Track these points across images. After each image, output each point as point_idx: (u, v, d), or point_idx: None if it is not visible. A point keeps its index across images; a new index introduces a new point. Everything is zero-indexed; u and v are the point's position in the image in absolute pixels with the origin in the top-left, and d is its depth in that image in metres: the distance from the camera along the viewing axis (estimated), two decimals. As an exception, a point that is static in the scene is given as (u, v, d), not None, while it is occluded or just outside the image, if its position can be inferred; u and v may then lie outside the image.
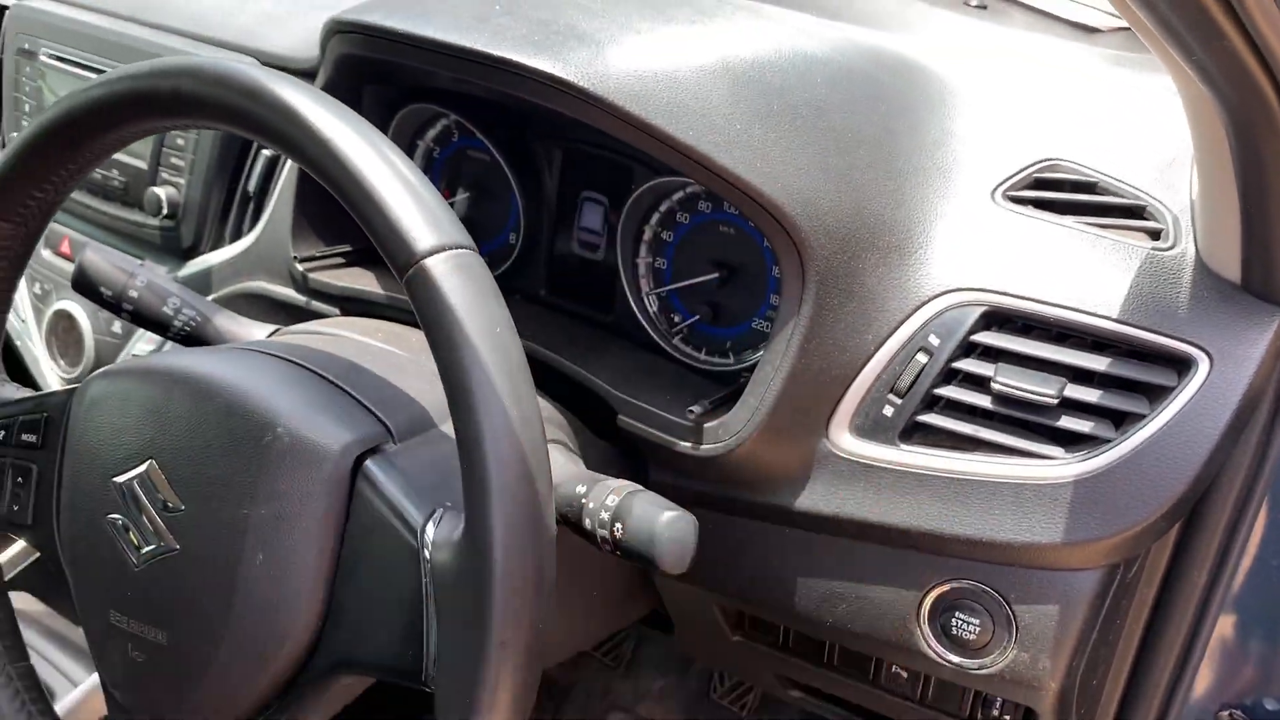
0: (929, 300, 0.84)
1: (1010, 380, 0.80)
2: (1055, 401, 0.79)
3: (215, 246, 1.21)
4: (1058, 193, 0.87)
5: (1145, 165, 0.88)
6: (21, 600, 1.35)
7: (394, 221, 0.65)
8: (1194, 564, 0.85)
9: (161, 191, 1.22)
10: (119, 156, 1.25)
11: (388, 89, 1.07)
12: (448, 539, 0.66)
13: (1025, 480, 0.80)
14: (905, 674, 0.92)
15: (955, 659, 0.85)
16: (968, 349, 0.83)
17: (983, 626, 0.83)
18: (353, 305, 1.04)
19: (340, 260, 1.08)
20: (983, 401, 0.81)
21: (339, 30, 0.98)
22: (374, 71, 1.02)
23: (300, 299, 1.07)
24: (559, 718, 1.52)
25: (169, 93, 0.73)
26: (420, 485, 0.71)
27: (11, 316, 0.90)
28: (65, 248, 1.35)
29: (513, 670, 0.63)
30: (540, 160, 1.06)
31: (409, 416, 0.76)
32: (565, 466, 0.80)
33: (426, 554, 0.67)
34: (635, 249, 1.01)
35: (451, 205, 0.70)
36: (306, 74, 1.09)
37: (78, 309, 1.31)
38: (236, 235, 1.19)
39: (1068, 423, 0.79)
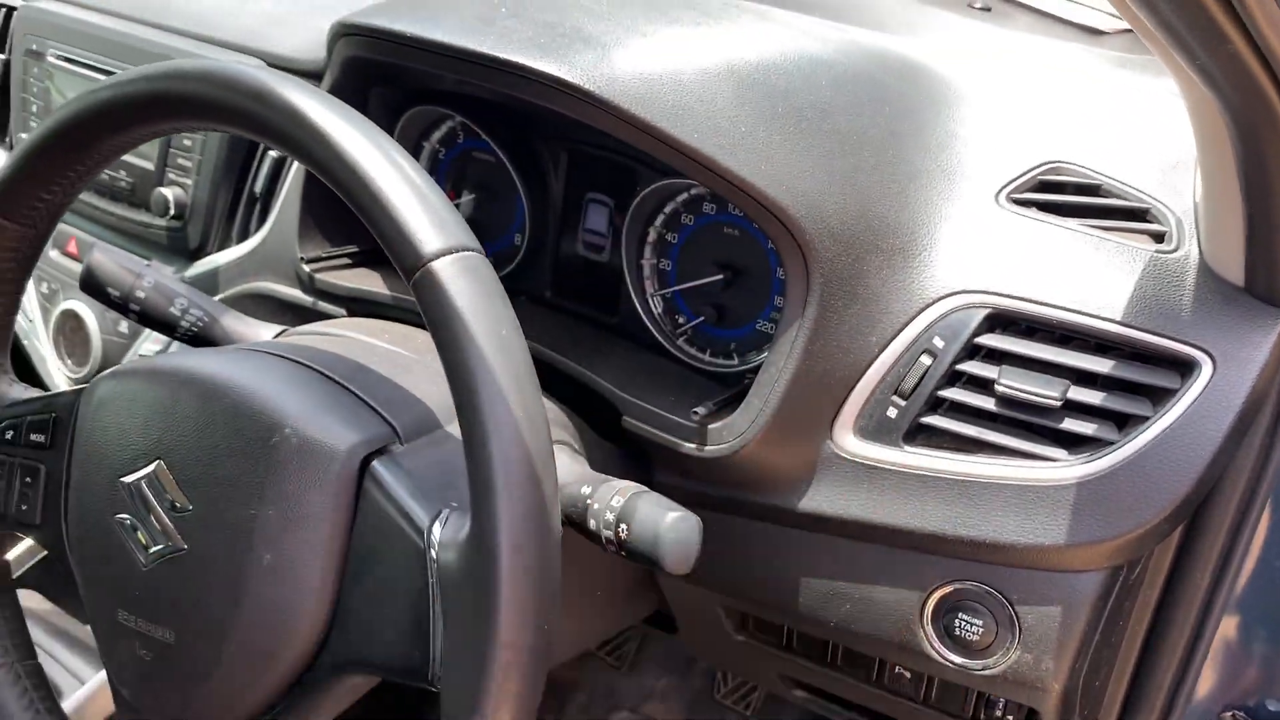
0: (933, 302, 0.84)
1: (1014, 382, 0.80)
2: (1059, 403, 0.79)
3: (222, 247, 1.22)
4: (1062, 195, 0.88)
5: (1149, 168, 0.88)
6: (29, 599, 1.36)
7: (401, 224, 0.65)
8: (1197, 566, 0.85)
9: (169, 192, 1.23)
10: (126, 157, 1.25)
11: (394, 91, 1.07)
12: (454, 539, 0.67)
13: (1028, 482, 0.80)
14: (908, 674, 0.92)
15: (958, 660, 0.85)
16: (972, 351, 0.83)
17: (986, 627, 0.84)
18: (359, 306, 1.04)
19: (346, 261, 1.08)
20: (986, 403, 0.82)
21: (346, 33, 0.98)
22: (380, 74, 1.03)
23: (307, 300, 1.07)
24: (562, 717, 1.52)
25: (178, 96, 0.73)
26: (426, 486, 0.71)
27: (19, 316, 0.90)
28: (72, 248, 1.35)
29: (518, 670, 0.63)
30: (545, 162, 1.06)
31: (415, 417, 0.77)
32: (570, 467, 0.81)
33: (433, 554, 0.67)
34: (640, 250, 1.01)
35: (457, 207, 0.70)
36: (312, 75, 1.09)
37: (85, 309, 1.31)
38: (243, 236, 1.20)
39: (1071, 425, 0.80)
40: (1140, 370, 0.79)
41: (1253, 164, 0.68)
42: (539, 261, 1.09)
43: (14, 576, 0.94)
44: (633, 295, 1.02)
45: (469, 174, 1.11)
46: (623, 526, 0.73)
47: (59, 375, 1.37)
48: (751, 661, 1.04)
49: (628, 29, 0.88)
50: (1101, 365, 0.80)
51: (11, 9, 1.43)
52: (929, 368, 0.83)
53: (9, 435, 0.87)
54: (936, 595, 0.85)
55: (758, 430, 0.84)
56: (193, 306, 0.93)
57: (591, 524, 0.75)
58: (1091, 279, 0.82)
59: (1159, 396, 0.79)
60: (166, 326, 0.93)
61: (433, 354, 0.66)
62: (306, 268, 1.06)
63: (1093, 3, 1.21)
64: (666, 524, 0.72)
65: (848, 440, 0.86)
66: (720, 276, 0.97)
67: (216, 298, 1.13)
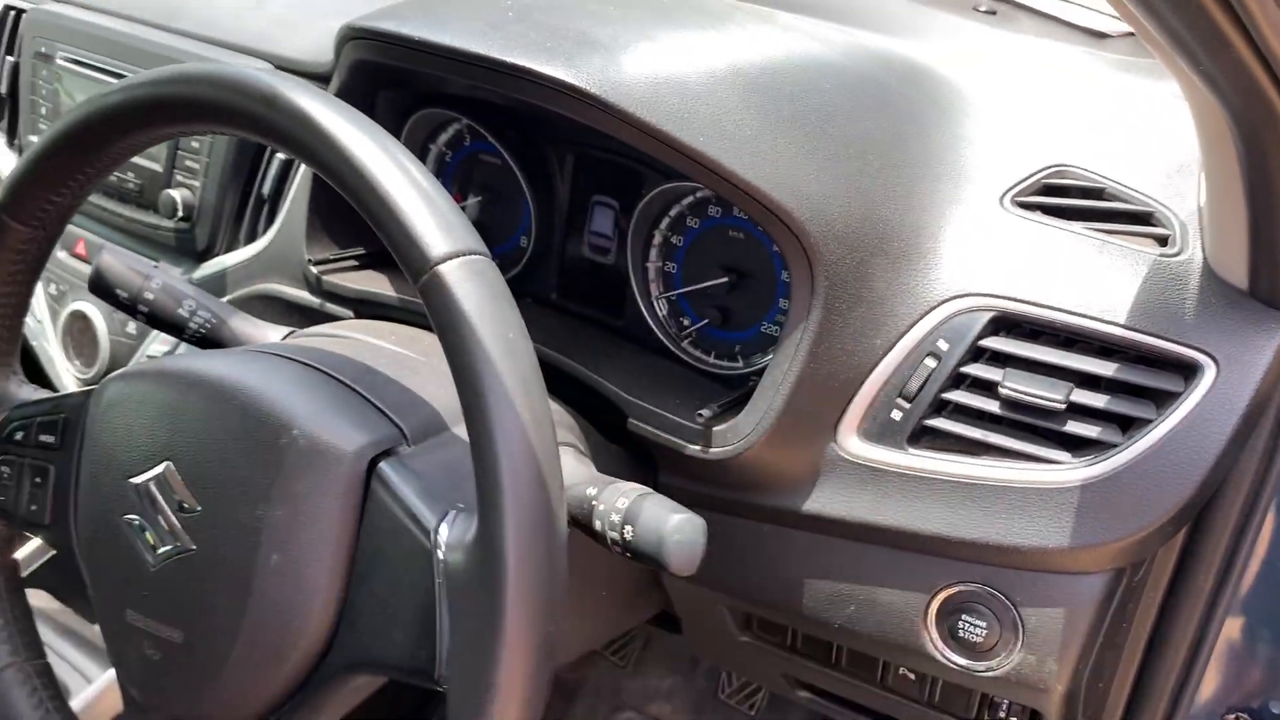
0: (937, 305, 0.84)
1: (1018, 385, 0.80)
2: (1063, 406, 0.79)
3: (230, 249, 1.22)
4: (1066, 199, 0.88)
5: (1153, 171, 0.88)
6: (38, 598, 1.36)
7: (408, 228, 0.66)
8: (1200, 568, 0.85)
9: (177, 194, 1.23)
10: (134, 159, 1.26)
11: (401, 94, 1.08)
12: (461, 540, 0.67)
13: (1032, 484, 0.80)
14: (912, 676, 0.92)
15: (962, 661, 0.85)
16: (976, 354, 0.83)
17: (989, 629, 0.84)
18: (366, 308, 1.04)
19: (354, 263, 1.09)
20: (990, 406, 0.82)
21: (353, 36, 0.99)
22: (388, 77, 1.03)
23: (314, 301, 1.08)
24: (568, 716, 1.53)
25: (186, 99, 0.74)
26: (434, 487, 0.72)
27: (28, 317, 0.91)
28: (81, 249, 1.36)
29: (525, 670, 0.63)
30: (552, 165, 1.07)
31: (422, 419, 0.77)
32: (576, 469, 0.81)
33: (440, 555, 0.68)
34: (645, 253, 1.02)
35: (464, 209, 0.71)
36: (320, 78, 1.09)
37: (93, 310, 1.32)
38: (251, 237, 1.20)
39: (1075, 428, 0.80)
40: (1144, 373, 0.80)
41: (1256, 167, 0.68)
42: (545, 264, 1.09)
43: (23, 576, 0.94)
44: (638, 298, 1.02)
45: (475, 177, 1.11)
46: (628, 528, 0.73)
47: (67, 376, 1.37)
48: (755, 662, 1.04)
49: (634, 33, 0.89)
50: (1105, 368, 0.80)
51: (21, 12, 1.44)
52: (933, 370, 0.83)
53: (19, 436, 0.87)
54: (940, 597, 0.85)
55: (762, 432, 0.84)
56: (201, 308, 0.93)
57: (597, 525, 0.75)
58: (1095, 282, 0.82)
59: (1163, 399, 0.79)
60: (175, 328, 0.93)
61: (440, 356, 0.67)
62: (314, 269, 1.06)
63: (1097, 6, 1.21)
64: (671, 525, 0.72)
65: (852, 442, 0.86)
66: (725, 279, 0.97)
67: (224, 299, 1.14)
